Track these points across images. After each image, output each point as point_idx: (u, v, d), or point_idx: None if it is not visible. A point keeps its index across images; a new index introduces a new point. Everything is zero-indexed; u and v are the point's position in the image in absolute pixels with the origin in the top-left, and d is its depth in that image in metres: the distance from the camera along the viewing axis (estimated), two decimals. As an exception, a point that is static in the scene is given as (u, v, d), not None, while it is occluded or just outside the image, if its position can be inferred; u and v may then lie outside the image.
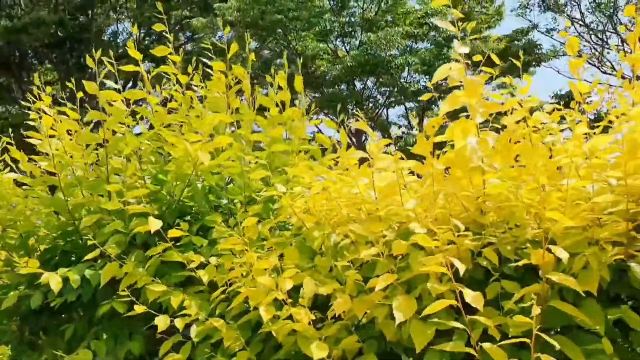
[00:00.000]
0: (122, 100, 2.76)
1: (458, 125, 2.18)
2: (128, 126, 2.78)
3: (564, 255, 1.68)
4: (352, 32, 16.52)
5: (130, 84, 22.09)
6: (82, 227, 2.56)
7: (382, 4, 16.27)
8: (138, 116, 3.05)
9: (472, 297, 1.65)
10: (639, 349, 1.80)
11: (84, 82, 2.53)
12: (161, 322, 2.18)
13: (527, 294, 1.80)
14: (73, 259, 2.84)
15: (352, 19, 16.70)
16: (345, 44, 16.23)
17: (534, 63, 16.43)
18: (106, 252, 2.38)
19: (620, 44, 17.73)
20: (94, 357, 2.36)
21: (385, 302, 1.91)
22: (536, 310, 1.49)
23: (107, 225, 2.48)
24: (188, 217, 2.71)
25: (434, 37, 16.33)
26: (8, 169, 3.08)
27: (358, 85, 16.61)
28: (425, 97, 2.40)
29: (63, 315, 2.83)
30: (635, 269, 1.77)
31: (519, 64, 2.66)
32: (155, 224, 2.17)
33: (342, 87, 16.49)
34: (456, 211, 2.14)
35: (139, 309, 2.18)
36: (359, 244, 2.06)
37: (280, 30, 15.34)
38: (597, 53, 18.31)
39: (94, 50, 2.89)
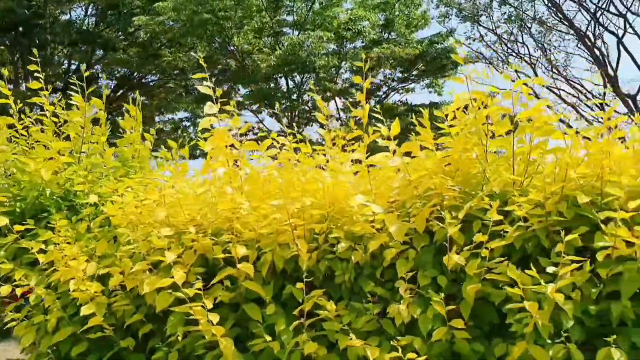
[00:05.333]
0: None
1: (221, 159, 3.14)
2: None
3: (242, 252, 2.66)
4: (283, 32, 17.58)
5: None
6: (-40, 220, 3.46)
7: (315, 5, 17.34)
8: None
9: (177, 276, 2.61)
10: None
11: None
12: (4, 289, 3.10)
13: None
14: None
15: (284, 18, 17.74)
16: (278, 43, 17.19)
17: (451, 67, 17.66)
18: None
19: (527, 52, 19.32)
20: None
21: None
22: (198, 285, 2.46)
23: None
24: (45, 214, 3.62)
25: (362, 39, 17.51)
26: None
27: (290, 82, 17.75)
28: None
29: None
30: (300, 260, 2.75)
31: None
32: (1, 221, 3.09)
33: (271, 84, 17.60)
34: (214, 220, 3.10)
35: (-13, 280, 3.10)
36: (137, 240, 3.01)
37: (214, 28, 16.30)
38: (503, 61, 19.85)
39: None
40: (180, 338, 2.73)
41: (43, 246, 3.27)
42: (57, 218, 3.34)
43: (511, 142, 2.70)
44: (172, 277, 2.67)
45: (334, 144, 3.44)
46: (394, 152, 2.85)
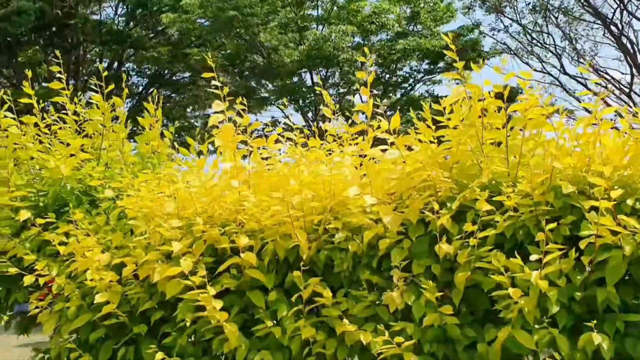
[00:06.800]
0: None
1: (230, 154, 3.28)
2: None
3: (245, 242, 2.80)
4: (308, 27, 17.75)
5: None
6: (-13, 215, 3.68)
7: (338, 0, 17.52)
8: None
9: (185, 264, 2.76)
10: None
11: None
12: (27, 279, 3.30)
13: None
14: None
15: (309, 13, 17.92)
16: (303, 38, 17.36)
17: (477, 59, 17.51)
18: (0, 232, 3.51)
19: (553, 43, 19.08)
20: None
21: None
22: (202, 273, 2.60)
23: (1, 213, 3.61)
24: (66, 208, 3.81)
25: (387, 32, 17.58)
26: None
27: (315, 77, 17.98)
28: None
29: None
30: (300, 250, 2.87)
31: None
32: (24, 215, 3.29)
33: (296, 79, 17.85)
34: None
35: (12, 270, 3.30)
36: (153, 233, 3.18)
37: (241, 24, 16.57)
38: (528, 52, 19.66)
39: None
40: (189, 324, 2.88)
41: (64, 238, 3.46)
42: (75, 212, 3.53)
43: (505, 134, 2.77)
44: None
45: (339, 138, 3.55)
46: (392, 144, 2.95)
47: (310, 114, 18.09)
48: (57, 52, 4.00)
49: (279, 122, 19.87)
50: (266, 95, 19.56)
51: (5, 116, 3.73)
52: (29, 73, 3.90)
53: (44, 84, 22.12)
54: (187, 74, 24.19)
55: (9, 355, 8.78)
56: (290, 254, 2.93)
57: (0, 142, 3.86)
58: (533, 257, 2.34)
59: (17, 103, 3.86)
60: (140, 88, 24.99)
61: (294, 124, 3.72)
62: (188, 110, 25.64)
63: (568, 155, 2.60)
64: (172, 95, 25.20)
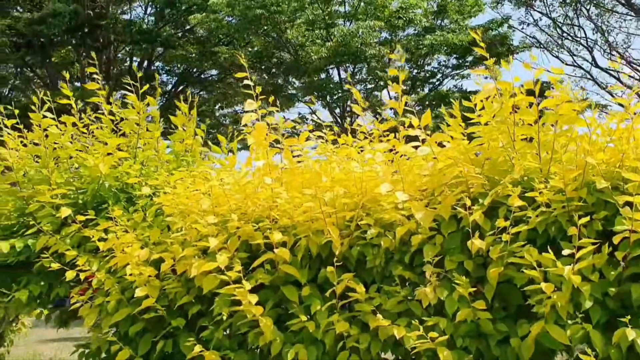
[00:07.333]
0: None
1: (262, 152, 3.34)
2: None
3: (278, 237, 2.86)
4: (335, 23, 17.79)
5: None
6: (28, 211, 3.80)
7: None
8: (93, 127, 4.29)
9: (221, 260, 2.83)
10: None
11: (31, 114, 3.75)
12: (69, 274, 3.41)
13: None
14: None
15: (336, 9, 17.95)
16: (330, 34, 17.39)
17: (506, 54, 17.39)
18: (42, 229, 3.63)
19: (584, 36, 18.68)
20: (30, 295, 3.63)
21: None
22: (237, 268, 2.67)
23: (42, 210, 3.73)
24: (105, 205, 3.92)
25: (414, 27, 17.51)
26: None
27: (342, 73, 18.03)
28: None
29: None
30: (333, 246, 2.92)
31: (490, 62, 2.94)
32: (64, 212, 3.40)
33: (323, 75, 17.90)
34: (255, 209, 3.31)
35: (54, 265, 3.42)
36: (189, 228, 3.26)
37: (268, 22, 16.70)
38: (558, 45, 19.29)
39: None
40: (225, 317, 2.95)
41: (103, 234, 3.56)
42: (114, 208, 3.63)
43: (537, 130, 2.78)
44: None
45: (370, 134, 3.59)
46: (423, 140, 2.97)
47: (337, 110, 18.15)
48: (93, 54, 4.11)
49: (307, 119, 19.96)
50: (293, 92, 19.69)
51: (44, 116, 3.85)
52: (67, 75, 4.01)
53: (77, 84, 22.57)
54: (215, 72, 24.42)
55: (47, 348, 9.03)
56: (322, 249, 2.98)
57: (40, 142, 3.99)
58: (565, 252, 2.35)
59: (54, 103, 3.98)
60: (170, 86, 25.32)
61: (323, 121, 3.77)
62: (216, 107, 25.91)
63: (601, 151, 2.60)
64: (201, 92, 25.49)
